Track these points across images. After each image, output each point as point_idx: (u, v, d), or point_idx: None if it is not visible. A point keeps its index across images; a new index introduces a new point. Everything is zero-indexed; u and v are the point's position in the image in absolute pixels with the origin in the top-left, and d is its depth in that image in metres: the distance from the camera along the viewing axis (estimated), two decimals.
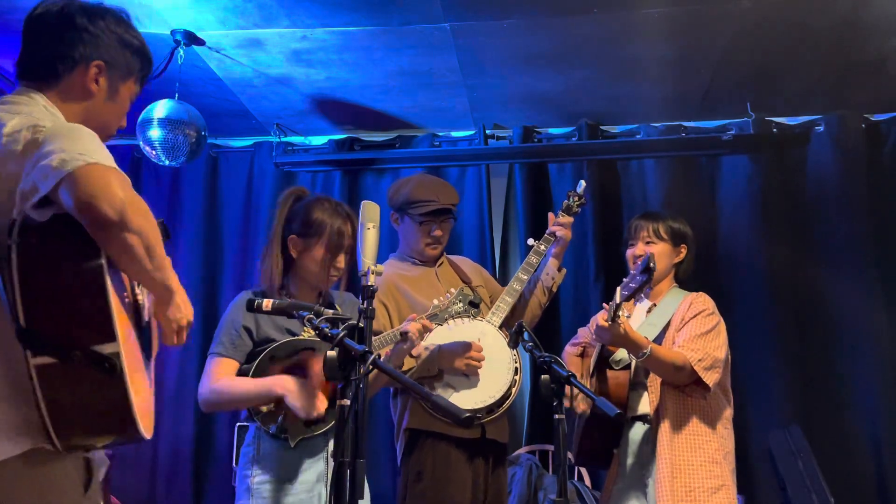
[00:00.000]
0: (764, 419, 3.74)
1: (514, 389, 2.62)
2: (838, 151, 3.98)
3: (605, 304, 2.51)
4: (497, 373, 2.59)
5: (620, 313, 2.38)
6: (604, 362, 2.61)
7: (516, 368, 2.62)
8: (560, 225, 2.85)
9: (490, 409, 2.57)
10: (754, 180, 4.07)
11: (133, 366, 1.37)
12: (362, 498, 1.64)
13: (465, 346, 2.56)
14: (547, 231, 2.87)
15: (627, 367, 2.60)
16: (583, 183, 2.97)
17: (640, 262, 2.42)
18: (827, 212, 3.98)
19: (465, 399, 2.54)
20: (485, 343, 2.61)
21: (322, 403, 2.19)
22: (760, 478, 3.72)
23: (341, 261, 2.36)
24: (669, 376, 2.52)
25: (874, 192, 3.95)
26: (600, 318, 2.43)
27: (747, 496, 3.63)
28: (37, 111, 1.47)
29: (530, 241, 2.87)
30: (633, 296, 2.40)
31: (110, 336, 1.31)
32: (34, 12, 1.63)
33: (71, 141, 1.35)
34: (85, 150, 1.32)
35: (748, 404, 3.77)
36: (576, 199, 2.92)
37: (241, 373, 2.27)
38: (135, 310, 1.51)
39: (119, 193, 1.30)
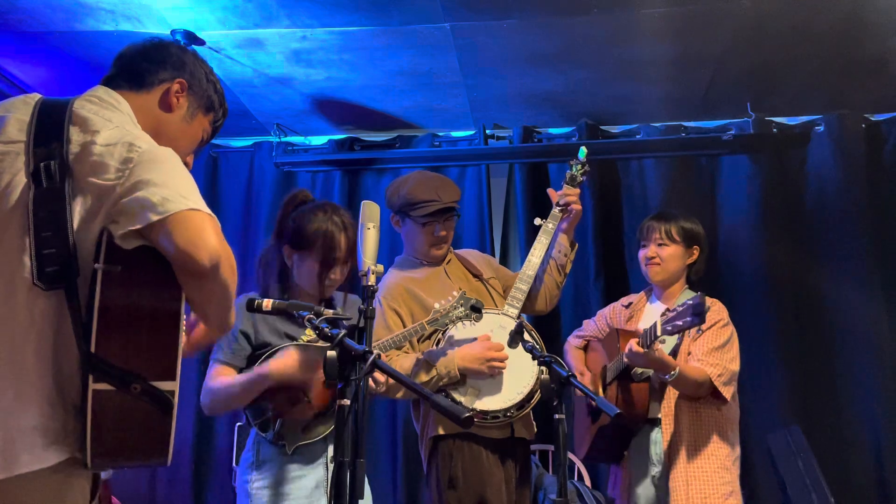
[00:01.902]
0: (764, 419, 3.74)
1: (541, 391, 2.45)
2: (838, 151, 3.98)
3: (638, 327, 2.55)
4: (522, 367, 2.47)
5: (658, 337, 2.36)
6: (626, 374, 2.60)
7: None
8: (570, 197, 2.72)
9: (520, 405, 2.48)
10: (754, 180, 4.06)
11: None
12: (362, 498, 1.64)
13: (483, 348, 2.46)
14: (554, 208, 2.75)
15: (648, 378, 2.60)
16: (584, 149, 2.82)
17: (693, 302, 2.28)
18: (827, 212, 3.98)
19: (494, 400, 2.46)
20: (505, 337, 2.47)
21: (320, 367, 2.16)
22: (760, 478, 3.72)
23: (336, 273, 2.31)
24: (691, 391, 2.55)
25: (874, 192, 3.95)
26: (634, 343, 2.41)
27: (747, 496, 3.62)
28: (127, 124, 1.49)
29: (537, 221, 2.75)
30: (676, 333, 2.37)
31: (171, 375, 1.36)
32: (132, 45, 1.70)
33: (170, 174, 1.38)
34: (185, 190, 1.36)
35: (748, 404, 3.75)
36: (579, 167, 2.77)
37: None
38: None
39: (216, 244, 1.33)
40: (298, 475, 2.24)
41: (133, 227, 1.31)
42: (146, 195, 1.32)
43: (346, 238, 2.30)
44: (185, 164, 1.66)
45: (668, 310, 2.39)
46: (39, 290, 1.34)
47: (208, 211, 1.37)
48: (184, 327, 1.41)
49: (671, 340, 2.62)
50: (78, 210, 1.37)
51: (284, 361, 2.14)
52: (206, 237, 1.32)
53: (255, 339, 2.28)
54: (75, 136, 1.42)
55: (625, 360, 2.51)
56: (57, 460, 1.32)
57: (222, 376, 2.24)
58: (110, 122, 1.46)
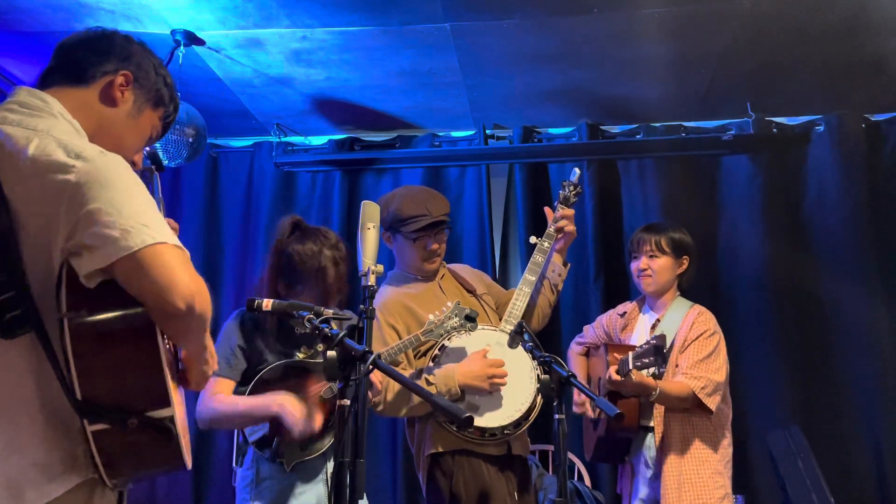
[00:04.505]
0: (764, 419, 3.74)
1: (538, 399, 2.50)
2: (838, 151, 3.98)
3: (616, 353, 2.68)
4: (520, 384, 2.48)
5: (631, 369, 2.51)
6: (615, 391, 2.66)
7: (538, 376, 2.47)
8: (565, 219, 2.74)
9: (518, 423, 2.47)
10: (754, 180, 4.06)
11: (176, 401, 1.37)
12: (362, 498, 1.64)
13: (484, 364, 2.45)
14: (549, 227, 2.76)
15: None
16: (577, 171, 2.86)
17: (653, 340, 2.48)
18: (827, 212, 3.98)
19: (492, 417, 2.44)
20: (502, 354, 2.50)
21: (318, 422, 2.17)
22: (760, 478, 3.73)
23: (329, 305, 2.34)
24: (676, 406, 2.66)
25: (874, 192, 3.95)
26: (613, 372, 2.55)
27: (747, 496, 3.63)
28: (55, 129, 1.34)
29: (532, 239, 2.76)
30: (644, 369, 2.54)
31: (165, 402, 1.30)
32: (73, 35, 1.56)
33: (123, 198, 1.25)
34: (143, 216, 1.24)
35: (748, 404, 3.77)
36: (572, 188, 2.82)
37: (237, 395, 2.26)
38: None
39: (188, 284, 1.24)
40: (298, 492, 2.23)
41: (96, 268, 1.22)
42: (103, 230, 1.21)
43: (338, 273, 2.35)
44: (133, 163, 1.56)
45: (640, 346, 2.56)
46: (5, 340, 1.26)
47: (174, 241, 1.26)
48: (166, 352, 1.35)
49: None
50: (28, 246, 1.26)
51: (290, 407, 2.14)
52: (178, 278, 1.23)
53: (252, 356, 2.28)
54: (3, 160, 1.27)
55: (608, 386, 2.62)
56: (69, 487, 1.28)
57: (221, 393, 2.23)
58: (35, 130, 1.31)
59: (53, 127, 1.34)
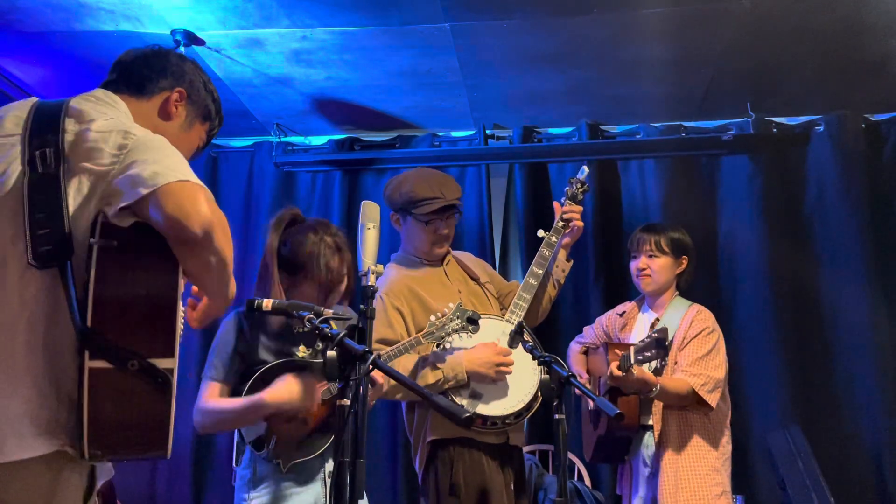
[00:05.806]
0: (764, 419, 3.74)
1: (540, 392, 2.44)
2: (838, 151, 3.98)
3: (617, 350, 2.68)
4: (524, 375, 2.48)
5: (632, 364, 2.51)
6: (616, 389, 2.67)
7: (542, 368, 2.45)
8: (573, 214, 2.73)
9: (519, 413, 2.47)
10: (754, 180, 4.07)
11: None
12: (362, 498, 1.64)
13: (492, 352, 2.45)
14: (556, 222, 2.74)
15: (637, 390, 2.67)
16: (585, 169, 2.84)
17: (655, 334, 2.49)
18: (827, 212, 3.98)
19: (495, 407, 2.45)
20: (507, 344, 2.49)
21: (319, 395, 2.12)
22: (760, 478, 3.72)
23: (334, 296, 2.27)
24: (676, 403, 2.67)
25: (874, 192, 3.95)
26: (614, 367, 2.55)
27: (747, 496, 3.63)
28: (122, 118, 1.50)
29: (540, 233, 2.74)
30: (647, 363, 2.55)
31: (170, 352, 1.34)
32: (131, 51, 1.72)
33: (162, 154, 1.39)
34: (175, 165, 1.36)
35: (748, 404, 3.77)
36: (579, 185, 2.79)
37: (235, 395, 2.21)
38: None
39: (206, 213, 1.32)
40: (296, 492, 2.20)
41: (126, 203, 1.32)
42: (137, 171, 1.33)
43: (341, 259, 2.25)
44: None
45: (641, 340, 2.56)
46: (33, 272, 1.34)
47: (199, 182, 1.36)
48: (181, 308, 1.40)
49: None
50: (73, 194, 1.38)
51: (283, 392, 2.08)
52: (197, 205, 1.31)
53: (251, 357, 2.25)
54: (70, 126, 1.43)
55: (608, 382, 2.62)
56: (47, 450, 1.30)
57: (216, 397, 2.20)
58: (105, 114, 1.48)
59: (119, 116, 1.52)
